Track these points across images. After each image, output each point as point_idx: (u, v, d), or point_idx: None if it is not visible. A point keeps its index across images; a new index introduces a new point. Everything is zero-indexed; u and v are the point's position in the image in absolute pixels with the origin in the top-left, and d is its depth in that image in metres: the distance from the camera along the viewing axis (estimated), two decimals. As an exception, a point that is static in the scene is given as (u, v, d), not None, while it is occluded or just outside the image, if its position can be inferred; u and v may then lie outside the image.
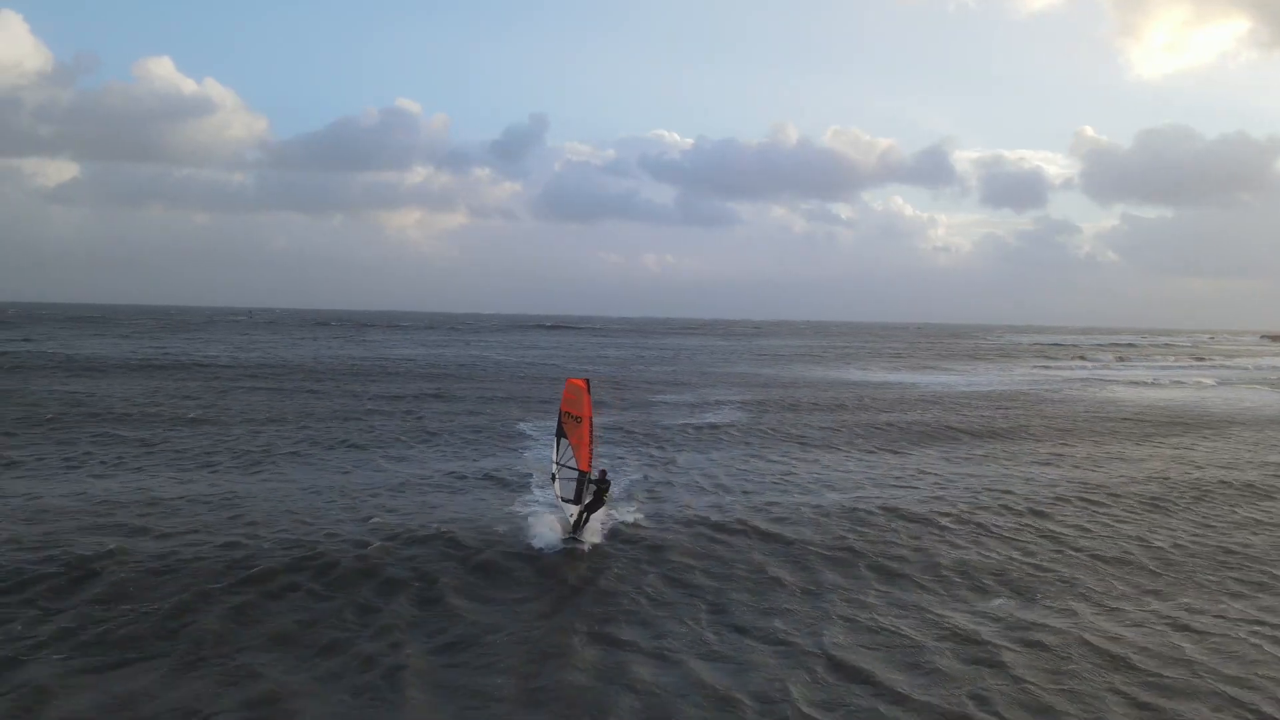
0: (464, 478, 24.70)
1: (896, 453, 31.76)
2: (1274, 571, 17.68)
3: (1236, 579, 17.15)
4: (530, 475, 24.87)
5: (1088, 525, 21.00)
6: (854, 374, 74.08)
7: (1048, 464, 29.77)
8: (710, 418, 40.31)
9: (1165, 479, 26.98)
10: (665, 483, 24.60)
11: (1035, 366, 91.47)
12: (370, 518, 19.36)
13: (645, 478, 25.30)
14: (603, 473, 18.26)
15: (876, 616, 14.51)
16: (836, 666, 12.47)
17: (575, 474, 18.38)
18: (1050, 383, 67.40)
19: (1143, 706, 11.55)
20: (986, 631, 13.88)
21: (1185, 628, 14.28)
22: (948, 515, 21.39)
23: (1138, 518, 21.96)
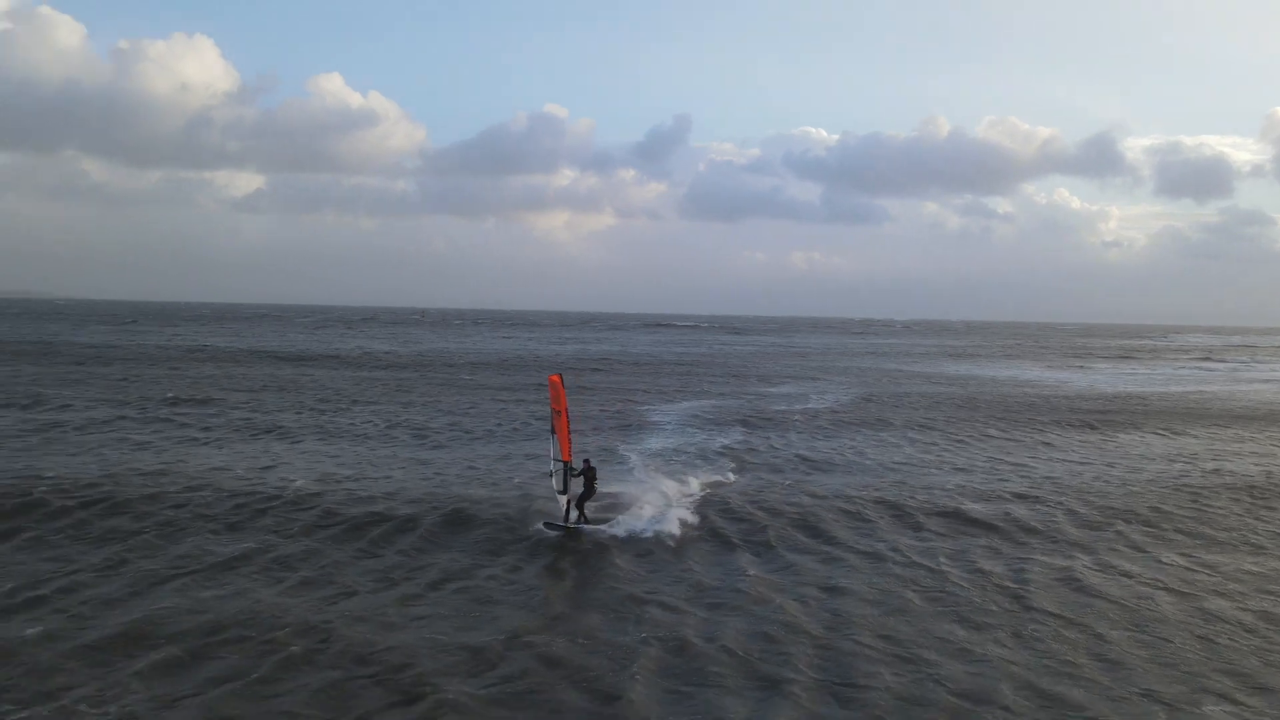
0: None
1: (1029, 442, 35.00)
2: None
3: None
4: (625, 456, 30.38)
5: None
6: (1003, 372, 75.10)
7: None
8: (812, 404, 44.70)
9: None
10: (762, 461, 29.23)
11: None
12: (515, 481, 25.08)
13: (736, 452, 30.39)
14: (586, 462, 19.05)
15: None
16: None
17: (560, 465, 18.65)
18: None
19: None
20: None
21: None
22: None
23: None
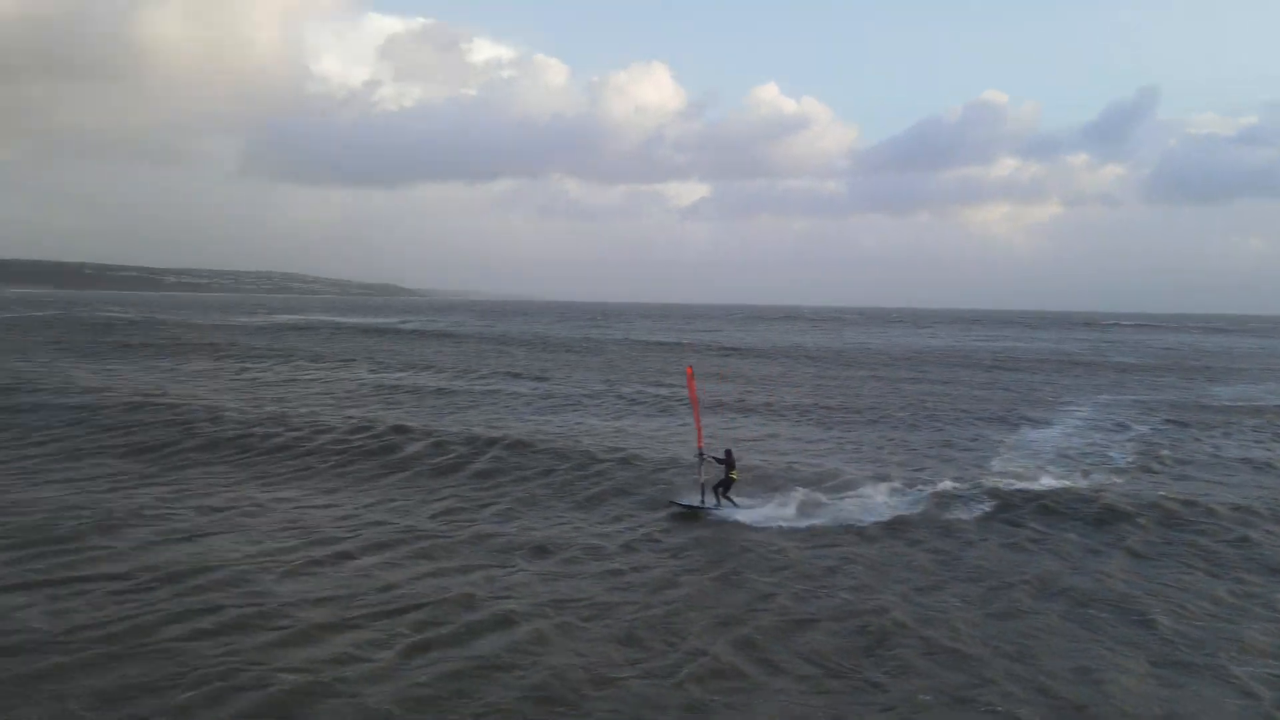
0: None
1: None
2: None
3: None
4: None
5: None
6: None
7: None
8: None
9: None
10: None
11: None
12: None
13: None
14: (728, 452, 19.82)
15: None
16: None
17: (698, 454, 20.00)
18: None
19: None
20: None
21: None
22: None
23: None
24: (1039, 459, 26.52)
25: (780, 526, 18.47)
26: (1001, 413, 37.31)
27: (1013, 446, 28.98)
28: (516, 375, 50.48)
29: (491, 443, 26.27)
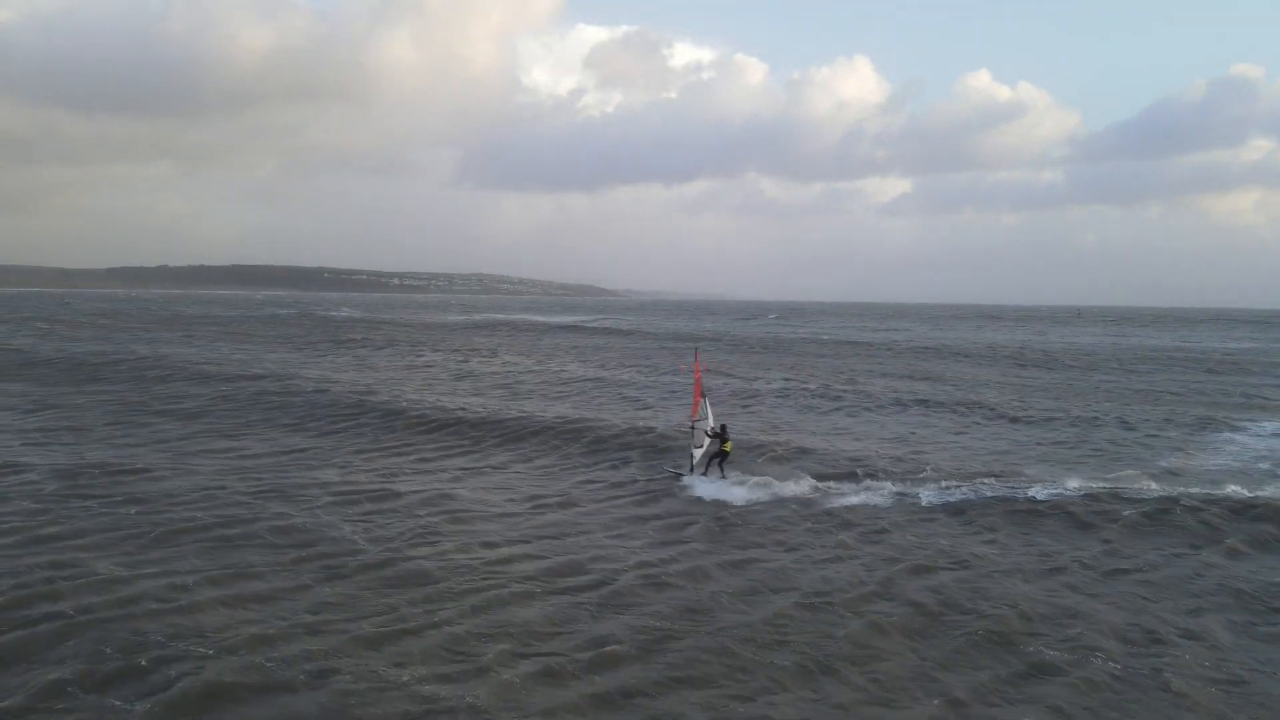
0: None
1: None
2: None
3: None
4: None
5: None
6: None
7: None
8: None
9: None
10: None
11: None
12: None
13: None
14: (723, 426, 21.73)
15: None
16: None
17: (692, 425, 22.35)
18: None
19: None
20: None
21: None
22: None
23: None
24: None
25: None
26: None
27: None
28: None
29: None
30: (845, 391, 42.35)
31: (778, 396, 40.94)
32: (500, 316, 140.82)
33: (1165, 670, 11.73)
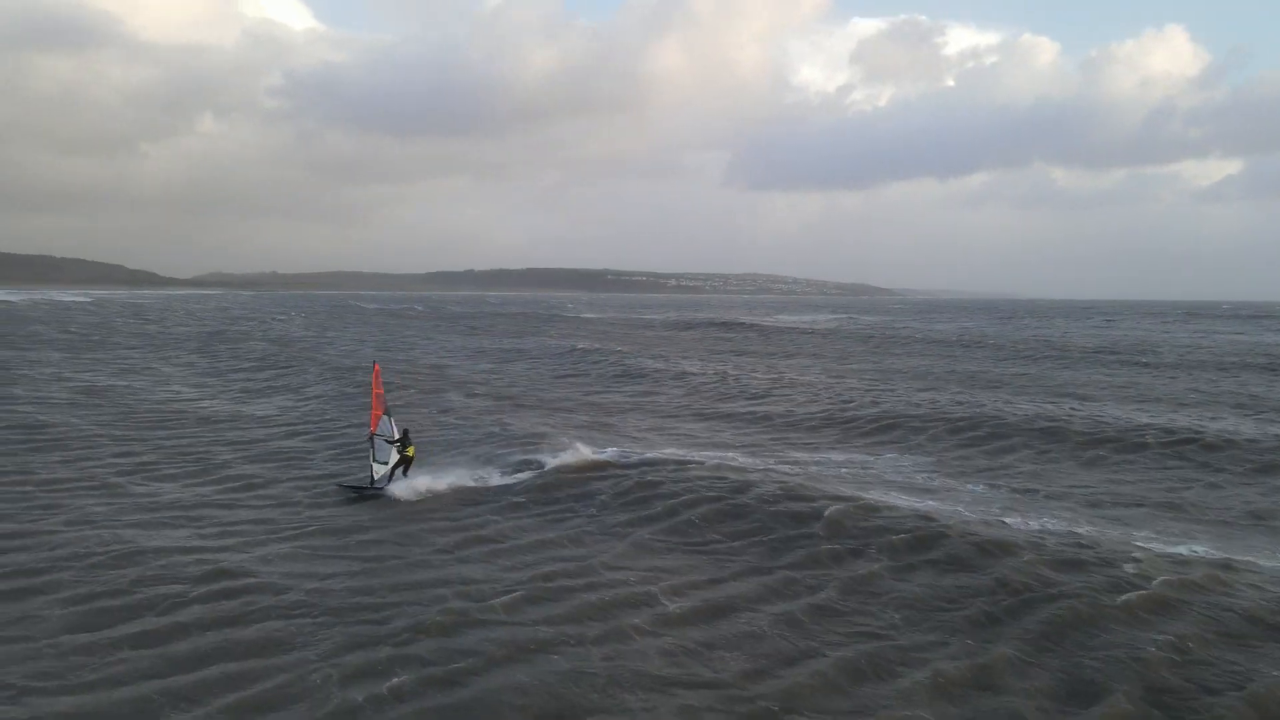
0: None
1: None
2: None
3: None
4: None
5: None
6: None
7: None
8: None
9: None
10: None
11: None
12: None
13: None
14: (405, 432, 20.18)
15: None
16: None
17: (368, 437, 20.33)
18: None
19: None
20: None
21: None
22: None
23: None
24: None
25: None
26: None
27: None
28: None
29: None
30: None
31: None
32: (808, 318, 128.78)
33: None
